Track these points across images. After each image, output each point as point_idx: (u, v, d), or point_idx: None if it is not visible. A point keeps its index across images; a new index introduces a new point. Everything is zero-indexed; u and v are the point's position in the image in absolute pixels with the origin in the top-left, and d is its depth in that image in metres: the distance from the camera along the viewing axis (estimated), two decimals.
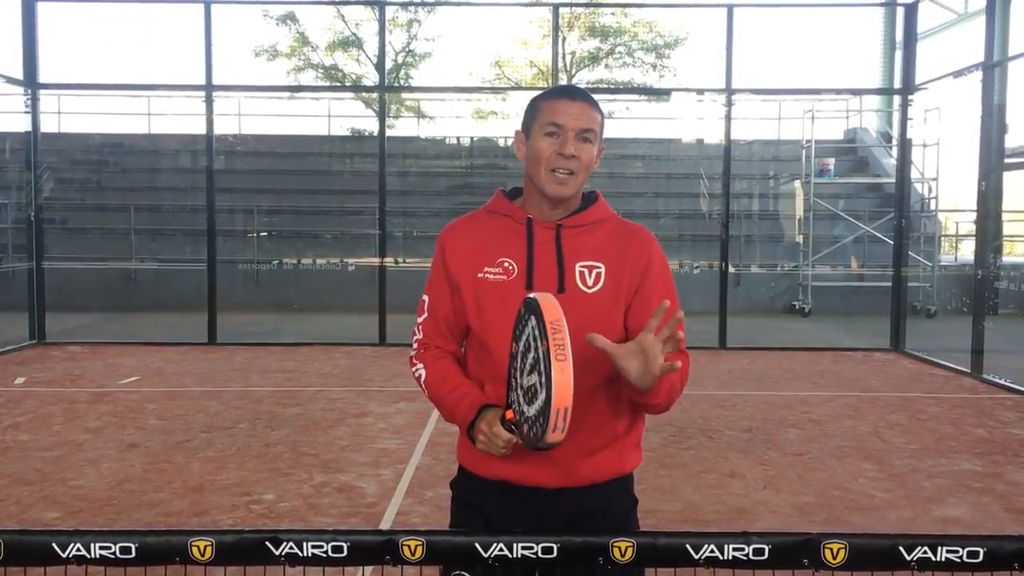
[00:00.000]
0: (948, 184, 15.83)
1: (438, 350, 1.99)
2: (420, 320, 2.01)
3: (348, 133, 19.68)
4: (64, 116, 16.85)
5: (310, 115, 19.20)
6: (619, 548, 1.56)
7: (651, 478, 5.02)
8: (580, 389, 1.80)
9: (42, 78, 10.26)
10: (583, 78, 21.43)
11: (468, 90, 25.11)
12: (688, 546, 1.56)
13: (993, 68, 9.12)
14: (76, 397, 7.23)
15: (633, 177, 16.90)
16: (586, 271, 1.87)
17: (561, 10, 16.48)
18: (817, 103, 14.63)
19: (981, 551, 1.54)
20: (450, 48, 26.42)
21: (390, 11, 18.46)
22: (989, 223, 10.55)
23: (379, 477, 5.10)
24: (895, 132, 12.94)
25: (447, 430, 6.08)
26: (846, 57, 19.93)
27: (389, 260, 10.78)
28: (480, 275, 1.90)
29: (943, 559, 1.53)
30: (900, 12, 11.14)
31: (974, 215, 10.25)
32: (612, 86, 21.22)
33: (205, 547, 1.54)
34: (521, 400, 1.65)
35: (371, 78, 20.74)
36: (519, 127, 1.95)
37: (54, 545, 1.54)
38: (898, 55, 13.32)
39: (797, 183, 15.25)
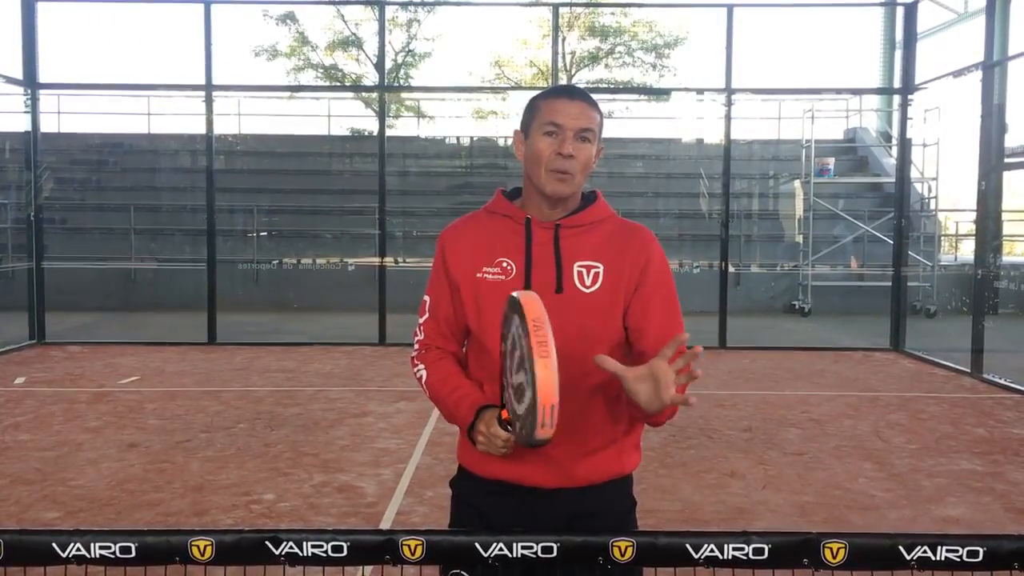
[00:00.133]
0: (948, 184, 15.85)
1: (439, 351, 1.99)
2: (421, 321, 2.01)
3: (348, 133, 19.68)
4: (64, 116, 16.88)
5: (310, 115, 19.21)
6: (619, 548, 1.56)
7: (651, 478, 5.02)
8: (578, 391, 1.81)
9: (42, 78, 10.26)
10: (583, 78, 21.42)
11: (468, 90, 25.11)
12: (688, 546, 1.56)
13: (993, 68, 9.12)
14: (76, 397, 7.23)
15: (633, 177, 16.90)
16: (584, 271, 1.87)
17: (561, 10, 16.47)
18: (817, 103, 14.63)
19: (981, 551, 1.54)
20: (450, 48, 26.45)
21: (390, 11, 18.46)
22: (989, 223, 10.56)
23: (379, 477, 5.10)
24: (895, 132, 12.94)
25: (447, 430, 6.08)
26: (846, 57, 19.96)
27: (389, 260, 10.78)
28: (479, 275, 1.90)
29: (943, 559, 1.53)
30: (900, 12, 11.14)
31: (974, 215, 10.25)
32: (612, 86, 21.22)
33: (205, 547, 1.54)
34: (512, 399, 1.66)
35: (371, 78, 20.74)
36: (518, 127, 1.95)
37: (54, 545, 1.54)
38: (898, 55, 13.30)
39: (797, 183, 15.25)
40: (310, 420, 6.48)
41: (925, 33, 14.77)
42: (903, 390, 7.93)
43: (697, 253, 13.81)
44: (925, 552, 1.53)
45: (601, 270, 1.87)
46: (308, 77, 21.46)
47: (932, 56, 15.29)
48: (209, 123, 10.36)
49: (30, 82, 10.11)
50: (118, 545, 1.54)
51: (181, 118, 17.03)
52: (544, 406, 1.49)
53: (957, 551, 1.53)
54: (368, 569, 3.01)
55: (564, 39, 20.40)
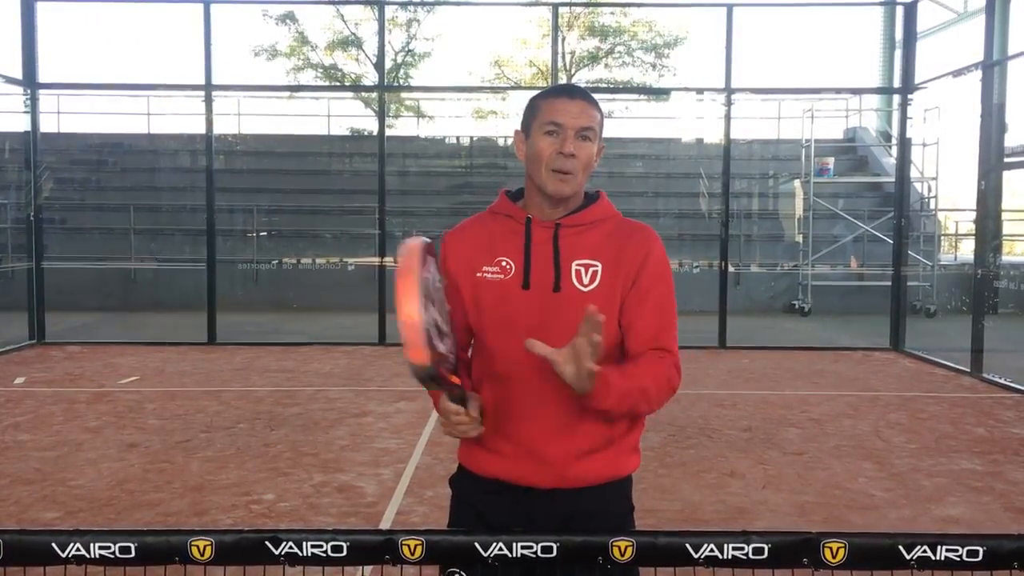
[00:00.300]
0: (948, 183, 15.86)
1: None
2: None
3: (348, 133, 19.69)
4: (63, 116, 16.89)
5: (310, 115, 19.22)
6: (619, 547, 1.56)
7: (651, 477, 5.02)
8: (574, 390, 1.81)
9: (41, 78, 10.26)
10: (583, 78, 21.42)
11: (467, 90, 25.12)
12: (688, 545, 1.55)
13: (992, 67, 9.12)
14: (76, 397, 7.23)
15: (633, 177, 16.90)
16: (582, 269, 1.87)
17: (561, 10, 16.46)
18: (817, 102, 14.64)
19: (981, 550, 1.53)
20: (450, 48, 26.45)
21: (390, 11, 18.46)
22: (989, 222, 10.55)
23: (379, 477, 5.10)
24: (895, 131, 12.94)
25: None
26: (846, 56, 19.97)
27: (389, 260, 10.78)
28: (479, 274, 1.91)
29: (943, 558, 1.53)
30: (899, 11, 11.13)
31: (974, 214, 10.26)
32: (612, 86, 21.22)
33: (205, 547, 1.54)
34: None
35: (371, 78, 20.74)
36: (519, 127, 1.96)
37: (53, 545, 1.54)
38: (898, 54, 13.30)
39: (797, 182, 15.25)
40: (310, 420, 6.48)
41: (925, 33, 14.77)
42: (903, 390, 7.93)
43: (697, 253, 13.82)
44: (925, 552, 1.53)
45: (600, 269, 1.87)
46: (308, 77, 21.48)
47: (932, 56, 15.30)
48: (209, 123, 10.36)
49: (30, 82, 10.11)
50: (118, 545, 1.54)
51: (181, 118, 17.04)
52: (402, 326, 1.48)
53: (957, 551, 1.53)
54: (368, 569, 3.00)
55: (564, 39, 20.41)
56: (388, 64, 19.22)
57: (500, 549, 1.56)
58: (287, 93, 20.99)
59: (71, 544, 1.54)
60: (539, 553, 1.57)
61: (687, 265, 13.48)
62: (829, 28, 20.65)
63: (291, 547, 1.55)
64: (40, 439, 5.87)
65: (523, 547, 1.56)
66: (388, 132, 12.74)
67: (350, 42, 21.20)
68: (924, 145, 14.32)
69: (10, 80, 10.04)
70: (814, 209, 14.41)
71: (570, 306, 1.84)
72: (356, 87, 21.67)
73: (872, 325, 11.16)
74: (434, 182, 16.85)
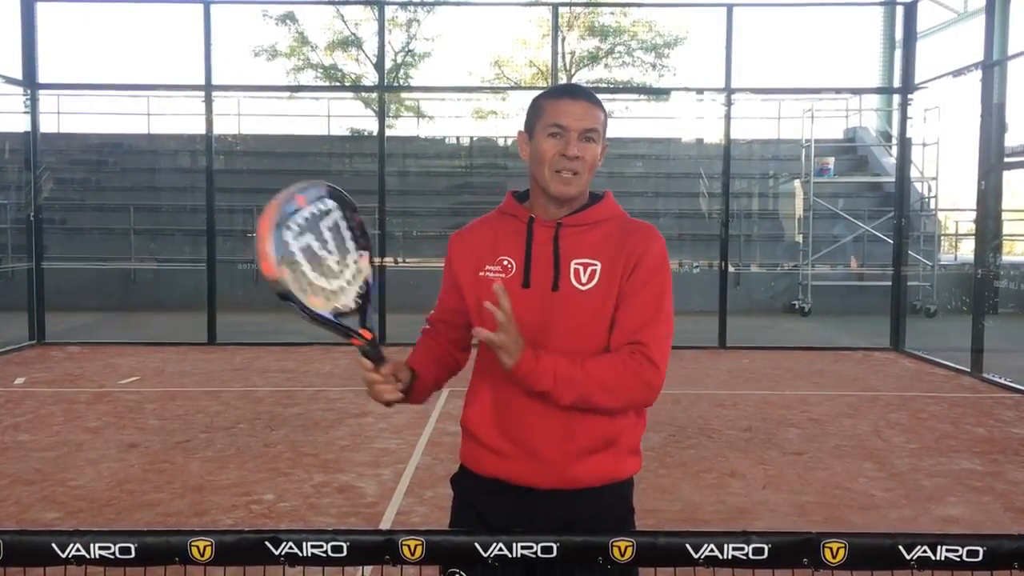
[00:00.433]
0: (948, 183, 15.87)
1: (432, 330, 2.08)
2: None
3: (348, 133, 19.69)
4: (63, 116, 16.90)
5: (310, 115, 19.23)
6: (619, 548, 1.56)
7: (651, 478, 5.02)
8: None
9: (41, 78, 10.26)
10: (583, 78, 21.42)
11: (467, 90, 25.12)
12: (688, 546, 1.55)
13: (992, 67, 9.12)
14: (76, 397, 7.23)
15: (633, 177, 16.90)
16: (581, 268, 1.87)
17: (561, 10, 16.46)
18: (817, 102, 14.64)
19: (981, 550, 1.53)
20: (450, 48, 26.46)
21: (389, 11, 18.46)
22: (989, 222, 10.55)
23: (379, 477, 5.10)
24: (895, 131, 12.94)
25: (447, 430, 6.08)
26: (846, 56, 19.97)
27: (389, 260, 10.78)
28: (481, 273, 1.93)
29: (943, 558, 1.53)
30: (899, 11, 11.14)
31: (974, 214, 10.25)
32: (612, 86, 21.22)
33: (205, 547, 1.54)
34: (338, 294, 1.75)
35: (370, 78, 20.74)
36: (522, 127, 1.96)
37: (53, 545, 1.54)
38: (898, 54, 13.30)
39: (797, 182, 15.25)
40: (310, 420, 6.48)
41: (925, 33, 14.77)
42: (903, 390, 7.93)
43: (697, 253, 13.80)
44: (925, 552, 1.53)
45: (598, 268, 1.87)
46: (308, 77, 21.48)
47: (932, 56, 15.30)
48: (209, 123, 10.36)
49: (30, 82, 10.11)
50: (118, 546, 1.54)
51: (181, 118, 17.05)
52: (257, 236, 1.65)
53: (957, 551, 1.53)
54: (368, 569, 3.01)
55: (564, 39, 20.41)
56: (388, 64, 19.22)
57: (500, 549, 1.56)
58: (287, 93, 21.00)
59: (71, 544, 1.54)
60: (539, 553, 1.57)
61: (687, 265, 13.46)
62: (829, 28, 20.66)
63: (291, 547, 1.55)
64: (40, 439, 5.87)
65: (523, 547, 1.57)
66: (388, 132, 12.74)
67: (350, 42, 21.20)
68: (924, 145, 14.33)
69: (10, 80, 10.04)
70: (814, 209, 14.41)
71: (568, 305, 1.84)
72: (356, 87, 21.67)
73: (872, 325, 11.16)
74: (434, 182, 16.85)
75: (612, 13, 21.01)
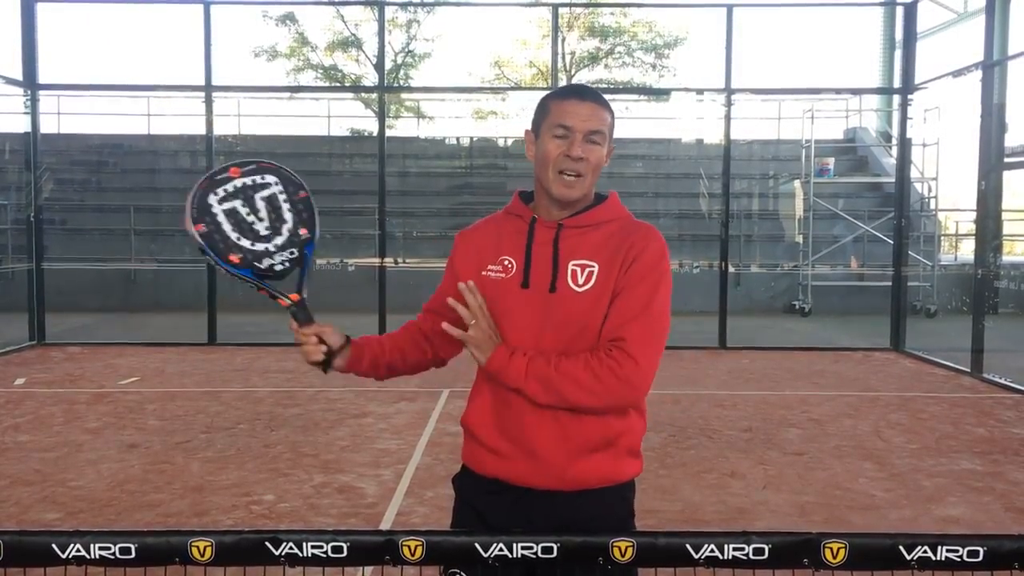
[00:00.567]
0: (948, 183, 15.88)
1: (421, 317, 2.10)
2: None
3: (348, 133, 19.70)
4: (63, 117, 16.88)
5: (310, 115, 19.25)
6: (619, 548, 1.56)
7: (651, 478, 5.01)
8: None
9: (42, 79, 10.26)
10: (583, 78, 21.43)
11: (467, 90, 25.15)
12: (688, 546, 1.55)
13: (993, 67, 9.12)
14: (76, 398, 7.23)
15: (633, 177, 16.90)
16: (579, 270, 1.87)
17: (561, 10, 16.48)
18: (817, 103, 14.64)
19: (981, 550, 1.53)
20: (450, 48, 26.50)
21: (390, 11, 18.48)
22: (989, 222, 10.55)
23: (379, 477, 5.10)
24: (895, 131, 12.94)
25: (447, 430, 6.09)
26: (846, 57, 20.01)
27: (389, 260, 10.78)
28: (483, 273, 1.93)
29: (943, 558, 1.53)
30: (899, 11, 11.13)
31: (974, 214, 10.25)
32: (612, 86, 21.23)
33: (205, 547, 1.54)
34: (274, 261, 1.98)
35: (371, 78, 20.76)
36: (528, 127, 1.96)
37: (54, 546, 1.54)
38: (898, 54, 13.31)
39: (797, 183, 15.26)
40: (310, 421, 6.48)
41: (925, 33, 14.78)
42: (903, 390, 7.93)
43: (697, 253, 13.83)
44: (925, 552, 1.53)
45: (596, 269, 1.86)
46: (308, 78, 21.51)
47: (932, 56, 15.31)
48: (209, 124, 10.36)
49: (30, 83, 10.11)
50: (118, 546, 1.54)
51: (181, 119, 17.05)
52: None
53: (957, 551, 1.53)
54: (368, 570, 3.01)
55: (564, 39, 20.43)
56: (388, 65, 19.24)
57: (500, 549, 1.56)
58: (287, 94, 21.01)
59: (71, 545, 1.54)
60: (539, 553, 1.57)
61: (687, 265, 13.49)
62: (829, 28, 20.70)
63: (291, 548, 1.55)
64: (40, 440, 5.87)
65: (523, 547, 1.57)
66: (388, 133, 12.75)
67: (350, 43, 21.22)
68: (924, 145, 14.33)
69: (10, 81, 10.04)
70: (814, 209, 14.41)
71: (562, 306, 1.84)
72: (356, 88, 21.68)
73: (872, 325, 11.16)
74: (434, 183, 16.85)
75: (612, 13, 21.03)
